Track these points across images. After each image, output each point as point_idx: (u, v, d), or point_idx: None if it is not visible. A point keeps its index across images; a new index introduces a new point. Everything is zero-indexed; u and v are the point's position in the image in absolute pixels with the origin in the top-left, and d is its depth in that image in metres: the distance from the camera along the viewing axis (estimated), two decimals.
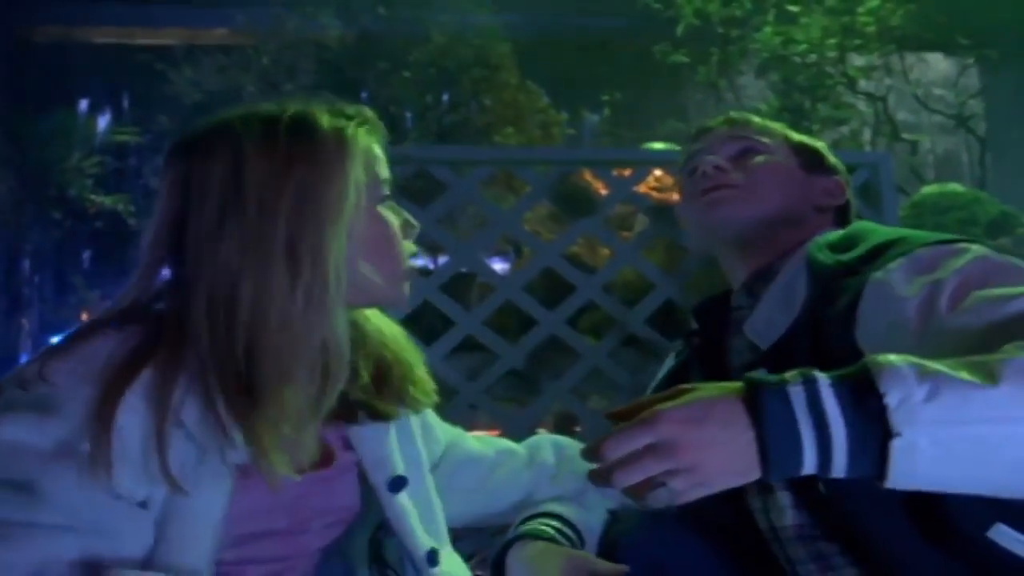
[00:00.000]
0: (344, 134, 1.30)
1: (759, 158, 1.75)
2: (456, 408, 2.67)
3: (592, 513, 1.66)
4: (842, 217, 1.78)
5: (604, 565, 1.50)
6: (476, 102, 3.72)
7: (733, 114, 1.85)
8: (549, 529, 1.59)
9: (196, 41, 4.76)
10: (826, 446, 1.08)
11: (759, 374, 1.15)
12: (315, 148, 1.27)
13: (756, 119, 1.83)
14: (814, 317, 1.48)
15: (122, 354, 1.19)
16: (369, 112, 1.39)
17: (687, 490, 1.10)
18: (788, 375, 1.13)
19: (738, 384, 1.14)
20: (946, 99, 4.69)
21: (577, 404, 2.76)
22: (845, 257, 1.51)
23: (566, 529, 1.61)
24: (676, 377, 1.73)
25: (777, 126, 1.84)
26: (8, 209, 5.07)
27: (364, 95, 3.87)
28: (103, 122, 5.21)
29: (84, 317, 5.34)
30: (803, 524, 1.51)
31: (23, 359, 5.11)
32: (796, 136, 1.84)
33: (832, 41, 4.27)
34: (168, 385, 1.19)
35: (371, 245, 1.33)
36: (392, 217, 1.37)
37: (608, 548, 1.60)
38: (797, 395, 1.10)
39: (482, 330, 2.69)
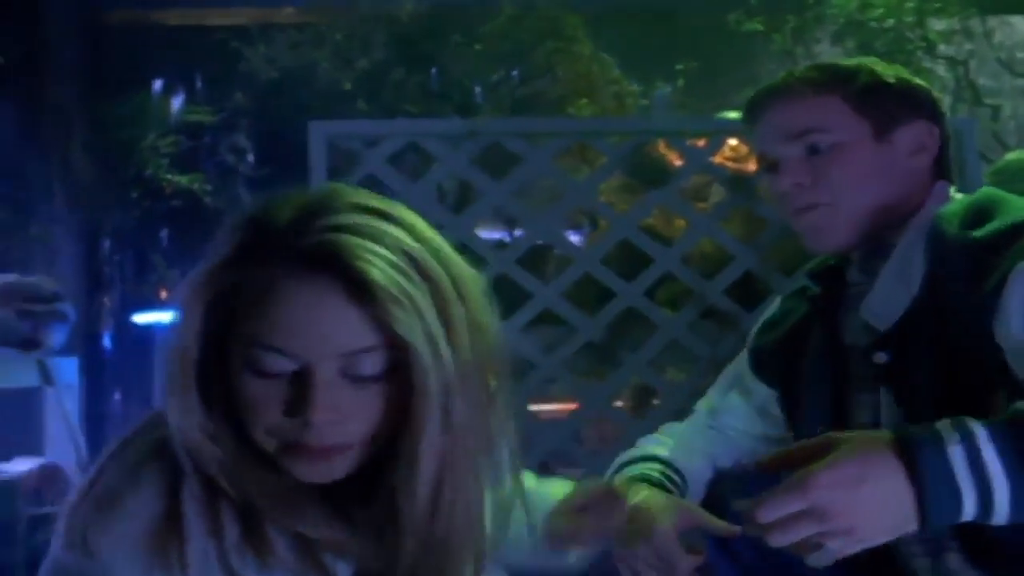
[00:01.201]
0: None
1: (827, 153, 1.53)
2: (533, 381, 2.67)
3: (696, 459, 1.65)
4: (942, 164, 1.58)
5: (716, 522, 1.47)
6: (549, 74, 3.70)
7: (783, 82, 1.60)
8: (656, 473, 1.59)
9: (270, 19, 4.78)
10: (987, 500, 1.10)
11: (912, 431, 1.14)
12: None
13: (806, 84, 1.58)
14: (937, 297, 1.42)
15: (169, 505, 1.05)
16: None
17: (845, 548, 1.11)
18: (942, 429, 1.13)
19: (887, 435, 1.14)
20: None
21: (655, 377, 2.74)
22: (979, 233, 1.39)
23: (672, 474, 1.61)
24: (796, 334, 1.66)
25: (829, 77, 1.58)
26: (88, 191, 5.17)
27: (435, 69, 3.87)
28: (178, 102, 5.28)
29: (163, 295, 5.43)
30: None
31: (105, 338, 5.22)
32: (854, 87, 1.56)
33: (910, 5, 4.17)
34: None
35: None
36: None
37: (712, 503, 1.58)
38: (956, 454, 1.11)
39: (559, 302, 2.69)
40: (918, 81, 1.60)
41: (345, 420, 0.99)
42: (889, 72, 1.58)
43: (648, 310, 2.71)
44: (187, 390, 1.01)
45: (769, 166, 1.59)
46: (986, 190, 1.53)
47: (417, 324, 0.97)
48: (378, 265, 0.96)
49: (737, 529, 1.46)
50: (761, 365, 1.72)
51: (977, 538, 1.38)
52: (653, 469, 1.61)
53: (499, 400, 1.10)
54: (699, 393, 1.85)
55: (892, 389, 1.46)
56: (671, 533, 1.45)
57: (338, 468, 1.02)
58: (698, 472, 1.67)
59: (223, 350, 1.01)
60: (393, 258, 0.98)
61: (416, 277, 0.99)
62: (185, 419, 1.02)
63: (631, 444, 2.62)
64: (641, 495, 1.52)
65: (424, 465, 1.01)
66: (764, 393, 1.72)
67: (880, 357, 1.47)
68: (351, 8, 4.05)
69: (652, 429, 1.78)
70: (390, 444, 1.02)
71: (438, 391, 0.99)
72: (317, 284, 0.97)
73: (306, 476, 1.02)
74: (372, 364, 0.98)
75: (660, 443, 1.71)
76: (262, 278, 0.98)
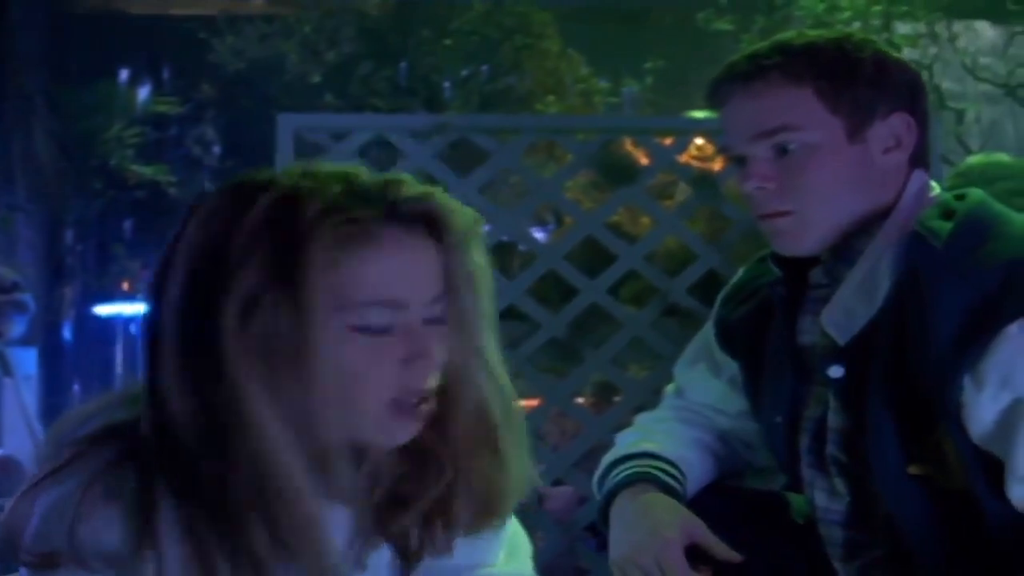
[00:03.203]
0: None
1: (797, 155, 1.44)
2: None
3: (687, 450, 1.62)
4: (919, 152, 1.48)
5: (720, 545, 1.46)
6: (517, 71, 3.70)
7: (752, 68, 1.47)
8: (660, 473, 1.55)
9: (237, 10, 4.75)
10: None
11: None
12: None
13: (778, 73, 1.45)
14: (902, 315, 1.38)
15: None
16: None
17: None
18: None
19: None
20: (993, 68, 4.61)
21: (617, 374, 2.75)
22: (974, 263, 1.34)
23: (671, 470, 1.57)
24: (760, 314, 1.60)
25: (803, 66, 1.45)
26: (50, 180, 5.11)
27: (404, 64, 3.86)
28: (143, 93, 5.24)
29: (125, 287, 5.39)
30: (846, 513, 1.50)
31: (65, 329, 5.18)
32: (829, 78, 1.44)
33: (877, 8, 4.20)
34: None
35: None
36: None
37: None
38: None
39: (523, 299, 2.69)
40: (895, 58, 1.49)
41: (435, 366, 1.06)
42: (866, 52, 1.46)
43: (612, 307, 2.71)
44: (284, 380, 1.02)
45: (736, 158, 1.51)
46: (977, 197, 1.44)
47: (478, 268, 1.08)
48: (461, 215, 1.08)
49: (738, 556, 1.46)
50: (726, 338, 1.67)
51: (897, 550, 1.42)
52: (654, 468, 1.57)
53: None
54: (661, 390, 1.84)
55: (842, 400, 1.46)
56: (678, 547, 1.43)
57: (423, 420, 1.08)
58: (688, 462, 1.62)
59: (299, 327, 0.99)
60: (463, 210, 1.10)
61: (475, 234, 1.10)
62: (281, 412, 1.00)
63: (592, 441, 2.65)
64: (644, 499, 1.50)
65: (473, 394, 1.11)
66: (734, 367, 1.67)
67: (835, 371, 1.45)
68: (320, 1, 4.03)
69: (614, 426, 1.77)
70: None
71: (485, 330, 1.11)
72: (413, 233, 1.04)
73: (400, 437, 1.07)
74: (443, 308, 1.06)
75: (644, 437, 1.65)
76: (363, 233, 1.02)
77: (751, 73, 1.46)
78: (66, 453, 1.03)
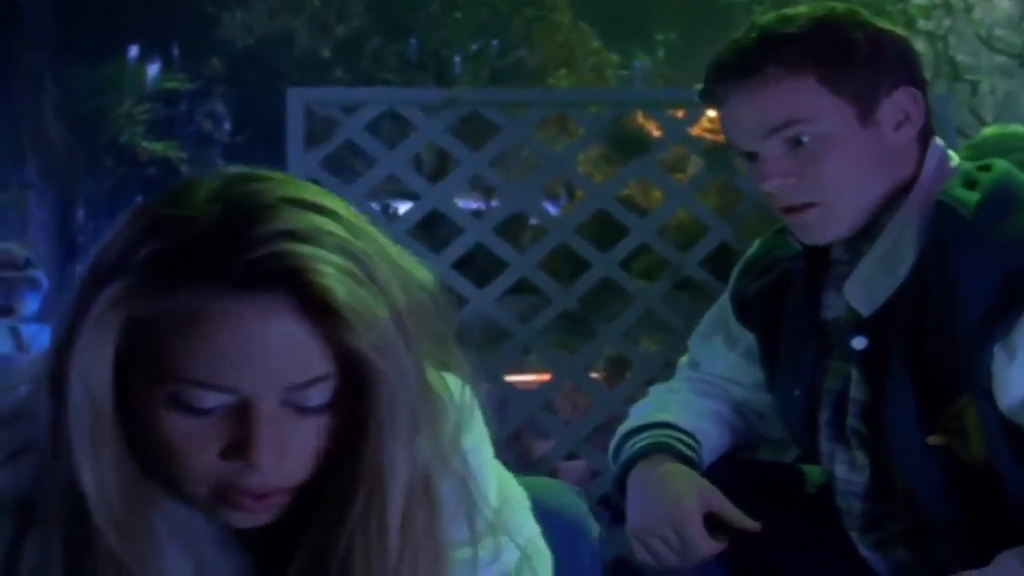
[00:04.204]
0: None
1: (813, 146, 1.40)
2: (508, 351, 2.67)
3: (703, 421, 1.61)
4: (927, 123, 1.45)
5: (738, 513, 1.46)
6: (528, 44, 3.68)
7: (746, 63, 1.41)
8: (678, 443, 1.54)
9: None
10: None
11: None
12: None
13: (774, 65, 1.40)
14: (926, 287, 1.37)
15: None
16: None
17: None
18: None
19: None
20: (1008, 40, 4.58)
21: (629, 348, 2.75)
22: (1006, 234, 1.32)
23: (689, 440, 1.56)
24: (779, 287, 1.58)
25: (796, 54, 1.40)
26: (61, 158, 5.12)
27: (414, 38, 3.85)
28: (153, 69, 5.23)
29: None
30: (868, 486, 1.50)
31: None
32: (826, 62, 1.40)
33: None
34: None
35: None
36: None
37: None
38: None
39: (535, 272, 2.68)
40: (884, 29, 1.45)
41: (290, 459, 0.82)
42: (857, 31, 1.42)
43: (624, 281, 2.71)
44: (104, 444, 0.81)
45: (746, 155, 1.46)
46: (1003, 168, 1.41)
47: (382, 344, 0.81)
48: (339, 279, 0.78)
49: (757, 525, 1.46)
50: (743, 310, 1.64)
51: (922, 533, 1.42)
52: (671, 438, 1.55)
53: (473, 424, 0.96)
54: (673, 364, 1.83)
55: (864, 372, 1.45)
56: (697, 516, 1.43)
57: (272, 512, 0.86)
58: (704, 433, 1.60)
59: (126, 383, 0.82)
60: (351, 267, 0.79)
61: (373, 287, 0.81)
62: (105, 480, 0.81)
63: (604, 415, 2.64)
64: (662, 470, 1.49)
65: (391, 506, 0.85)
66: (750, 339, 1.64)
67: (858, 342, 1.44)
68: None
69: (625, 400, 1.77)
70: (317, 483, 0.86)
71: (405, 419, 0.84)
72: (260, 304, 0.78)
73: (239, 524, 0.87)
74: (321, 393, 0.82)
75: (659, 408, 1.63)
76: (185, 298, 0.78)
77: (745, 69, 1.41)
78: None
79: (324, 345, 0.80)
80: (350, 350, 0.80)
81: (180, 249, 0.79)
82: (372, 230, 0.85)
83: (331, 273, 0.78)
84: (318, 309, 0.79)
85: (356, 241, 0.81)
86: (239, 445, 0.81)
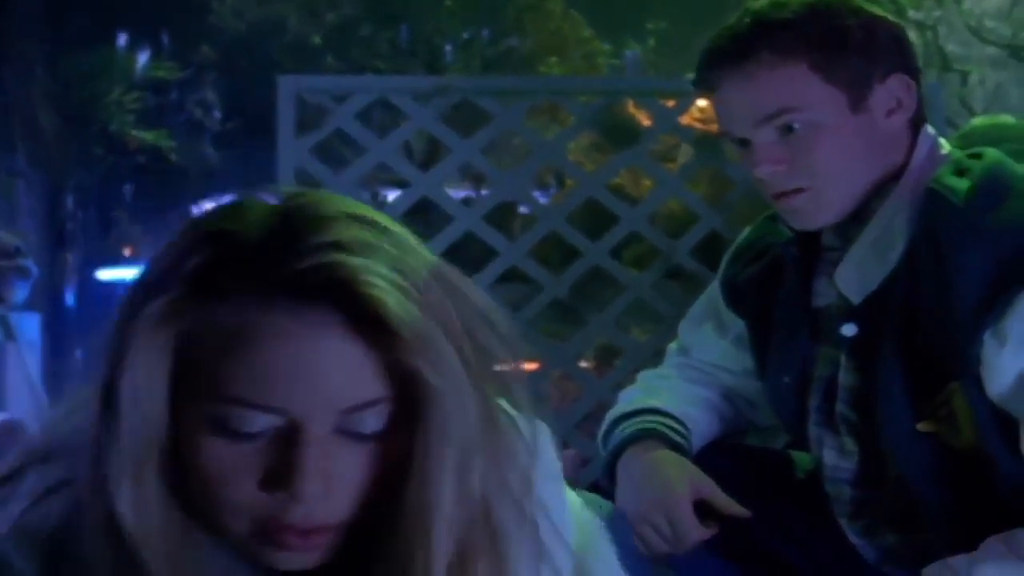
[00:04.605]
0: None
1: (804, 132, 1.40)
2: None
3: (692, 407, 1.61)
4: (919, 110, 1.45)
5: (728, 501, 1.46)
6: (519, 32, 3.68)
7: (738, 49, 1.41)
8: (667, 430, 1.55)
9: None
10: None
11: None
12: None
13: (767, 51, 1.40)
14: (916, 274, 1.37)
15: None
16: None
17: None
18: None
19: None
20: (998, 31, 4.59)
21: (620, 336, 2.75)
22: (995, 222, 1.32)
23: (678, 427, 1.57)
24: (769, 273, 1.58)
25: (789, 40, 1.40)
26: (51, 145, 5.10)
27: (405, 25, 3.85)
28: (143, 57, 5.21)
29: (127, 252, 5.39)
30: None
31: (67, 295, 5.18)
32: (818, 48, 1.40)
33: None
34: None
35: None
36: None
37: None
38: None
39: (525, 261, 2.69)
40: (876, 15, 1.45)
41: (339, 491, 0.76)
42: (850, 17, 1.42)
43: (614, 269, 2.71)
44: (150, 475, 0.76)
45: (738, 141, 1.47)
46: (995, 156, 1.40)
47: (437, 361, 0.75)
48: (390, 292, 0.74)
49: (747, 511, 1.47)
50: (734, 297, 1.65)
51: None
52: (661, 424, 1.56)
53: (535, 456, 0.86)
54: (663, 353, 1.84)
55: (854, 359, 1.46)
56: (687, 503, 1.44)
57: (321, 553, 0.79)
58: (693, 419, 1.61)
59: (171, 407, 0.76)
60: (402, 281, 0.75)
61: (425, 303, 0.76)
62: (148, 514, 0.76)
63: (593, 403, 2.65)
64: (651, 456, 1.50)
65: (436, 547, 0.77)
66: (740, 325, 1.65)
67: (848, 329, 1.44)
68: None
69: (615, 389, 1.77)
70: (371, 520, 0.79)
71: (459, 448, 0.77)
72: (309, 319, 0.74)
73: (283, 565, 0.79)
74: (377, 418, 0.76)
75: (649, 394, 1.64)
76: (231, 311, 0.74)
77: (739, 55, 1.41)
78: (21, 460, 0.85)
79: (378, 364, 0.75)
80: (404, 370, 0.75)
81: (227, 260, 0.75)
82: (424, 250, 0.80)
83: (382, 286, 0.74)
84: (369, 324, 0.74)
85: (407, 257, 0.77)
86: (282, 473, 0.74)
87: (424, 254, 0.80)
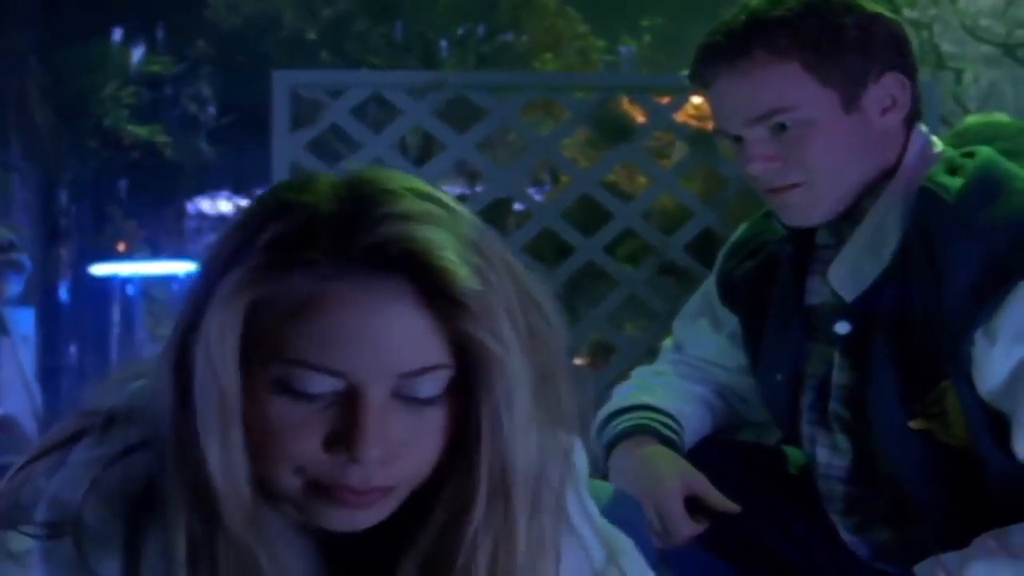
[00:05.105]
0: None
1: (796, 130, 1.40)
2: None
3: (685, 403, 1.61)
4: (914, 108, 1.45)
5: (719, 496, 1.46)
6: (514, 27, 3.68)
7: (733, 47, 1.41)
8: (659, 426, 1.55)
9: None
10: None
11: None
12: None
13: (761, 50, 1.40)
14: (908, 272, 1.38)
15: None
16: None
17: None
18: None
19: None
20: (993, 29, 4.59)
21: (614, 332, 2.76)
22: (987, 219, 1.33)
23: (670, 422, 1.57)
24: (764, 270, 1.59)
25: (784, 39, 1.40)
26: (45, 140, 5.10)
27: (400, 21, 3.85)
28: (138, 52, 5.21)
29: (121, 247, 5.39)
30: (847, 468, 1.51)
31: (61, 289, 5.18)
32: (812, 48, 1.39)
33: None
34: None
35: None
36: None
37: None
38: None
39: (519, 257, 2.68)
40: (874, 13, 1.44)
41: (397, 455, 0.79)
42: (846, 15, 1.40)
43: (608, 265, 2.72)
44: (232, 429, 0.79)
45: (733, 137, 1.47)
46: (987, 155, 1.41)
47: (500, 332, 0.78)
48: (458, 263, 0.76)
49: (736, 508, 1.47)
50: (729, 293, 1.65)
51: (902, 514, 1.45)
52: (653, 420, 1.56)
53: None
54: (657, 349, 1.84)
55: (847, 357, 1.46)
56: (678, 498, 1.44)
57: (374, 515, 0.82)
58: (686, 416, 1.61)
59: (242, 369, 0.80)
60: (469, 255, 0.78)
61: (490, 276, 0.78)
62: (233, 465, 0.79)
63: (586, 400, 2.64)
64: (642, 452, 1.50)
65: (517, 502, 0.82)
66: (735, 322, 1.65)
67: (841, 327, 1.45)
68: None
69: (609, 385, 1.76)
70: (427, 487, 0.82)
71: (523, 412, 0.80)
72: (376, 288, 0.77)
73: (335, 525, 0.82)
74: (434, 384, 0.79)
75: (642, 390, 1.64)
76: (302, 280, 0.77)
77: (733, 52, 1.41)
78: (82, 422, 0.89)
79: (440, 333, 0.78)
80: (467, 339, 0.78)
81: (300, 231, 0.78)
82: (490, 232, 0.83)
83: (450, 258, 0.76)
84: (436, 294, 0.77)
85: (471, 232, 0.80)
86: (343, 435, 0.78)
87: (491, 235, 0.83)
